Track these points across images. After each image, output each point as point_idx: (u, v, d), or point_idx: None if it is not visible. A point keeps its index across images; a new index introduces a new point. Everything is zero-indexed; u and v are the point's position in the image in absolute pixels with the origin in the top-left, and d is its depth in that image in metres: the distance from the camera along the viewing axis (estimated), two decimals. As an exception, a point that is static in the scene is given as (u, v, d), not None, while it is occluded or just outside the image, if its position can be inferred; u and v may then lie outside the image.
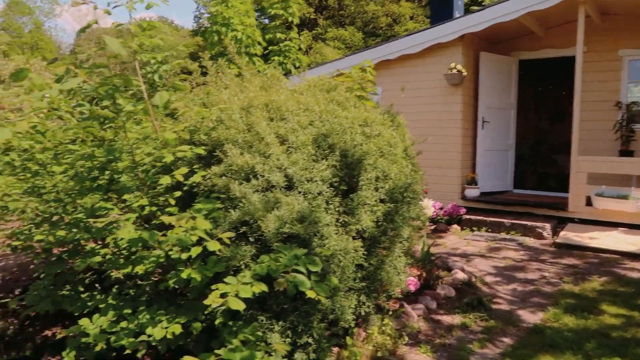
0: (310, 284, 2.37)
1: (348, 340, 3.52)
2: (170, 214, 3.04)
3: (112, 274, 3.14)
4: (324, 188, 3.14)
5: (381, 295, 3.68)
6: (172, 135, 2.58)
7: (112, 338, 2.62)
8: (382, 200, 3.56)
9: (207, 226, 2.41)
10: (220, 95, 3.51)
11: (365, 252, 3.37)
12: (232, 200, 3.03)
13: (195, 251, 2.39)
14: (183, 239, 2.33)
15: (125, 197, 2.97)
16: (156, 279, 3.07)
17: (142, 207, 3.15)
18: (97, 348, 2.63)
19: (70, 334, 2.90)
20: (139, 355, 2.58)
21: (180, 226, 2.43)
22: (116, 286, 3.42)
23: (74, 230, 3.03)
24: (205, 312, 2.97)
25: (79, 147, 2.95)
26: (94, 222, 2.62)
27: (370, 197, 3.40)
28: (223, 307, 2.84)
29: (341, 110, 3.53)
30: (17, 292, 4.40)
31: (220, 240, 2.47)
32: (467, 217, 7.78)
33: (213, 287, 2.44)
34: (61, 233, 2.72)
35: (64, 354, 3.10)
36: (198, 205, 2.86)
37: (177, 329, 2.57)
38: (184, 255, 2.44)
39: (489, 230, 7.56)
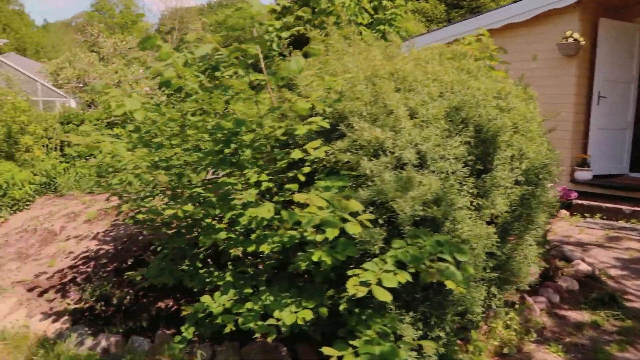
0: (460, 277, 2.09)
1: (473, 334, 3.22)
2: (291, 191, 2.88)
3: (231, 251, 3.04)
4: (458, 167, 2.83)
5: (511, 287, 3.33)
6: (306, 105, 2.37)
7: (240, 320, 2.51)
8: (516, 182, 3.19)
9: (359, 207, 2.19)
10: (337, 64, 3.25)
11: (499, 240, 3.03)
12: (357, 178, 2.80)
13: (333, 233, 2.18)
14: (331, 220, 2.12)
15: (247, 172, 2.83)
16: (275, 258, 2.93)
17: (259, 183, 3.01)
18: (227, 329, 2.54)
19: (192, 311, 2.84)
20: (269, 339, 2.45)
21: (316, 205, 2.23)
22: (230, 263, 3.34)
23: (190, 204, 2.94)
24: (328, 296, 2.81)
25: (199, 120, 2.84)
26: (232, 199, 2.49)
27: (506, 178, 3.04)
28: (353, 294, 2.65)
29: (473, 81, 3.16)
30: (129, 262, 4.51)
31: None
32: (578, 202, 7.10)
33: (350, 272, 2.23)
34: (188, 208, 2.63)
35: (182, 328, 3.07)
36: (322, 183, 2.65)
37: (308, 314, 2.41)
38: (319, 237, 2.24)
39: (604, 217, 6.84)
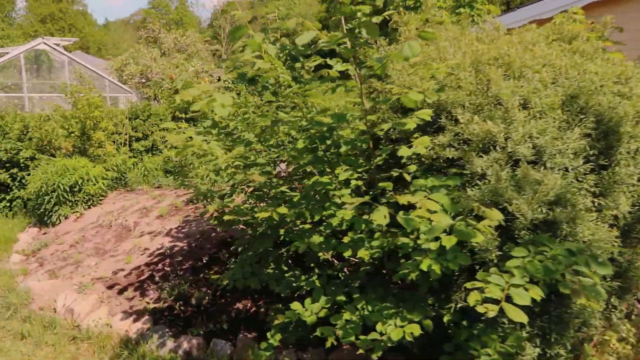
0: (605, 294, 1.79)
1: (587, 348, 2.88)
2: (386, 190, 2.64)
3: (320, 254, 2.85)
4: (579, 162, 2.49)
5: (631, 296, 2.95)
6: (418, 96, 2.12)
7: (340, 333, 2.31)
8: (640, 179, 2.80)
9: (499, 217, 1.93)
10: (429, 50, 2.96)
11: (620, 244, 2.67)
12: (460, 176, 2.52)
13: (450, 242, 1.93)
14: (464, 231, 1.87)
15: (338, 170, 2.62)
16: (370, 263, 2.71)
17: (347, 181, 2.79)
18: (328, 344, 2.34)
19: (284, 319, 2.68)
20: (374, 356, 2.24)
21: (427, 209, 1.99)
22: (313, 265, 3.17)
23: (282, 205, 2.76)
24: (429, 305, 2.57)
25: (295, 114, 2.65)
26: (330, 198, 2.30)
27: (631, 175, 2.67)
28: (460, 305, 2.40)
29: (589, 64, 2.79)
30: (205, 260, 4.43)
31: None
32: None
33: (469, 285, 1.98)
34: (283, 210, 2.45)
35: (268, 335, 2.92)
36: (422, 181, 2.39)
37: (416, 329, 2.17)
38: (434, 245, 1.99)
39: None
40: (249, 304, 3.83)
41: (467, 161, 2.41)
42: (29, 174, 7.08)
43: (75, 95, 6.97)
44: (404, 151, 2.17)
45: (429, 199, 2.13)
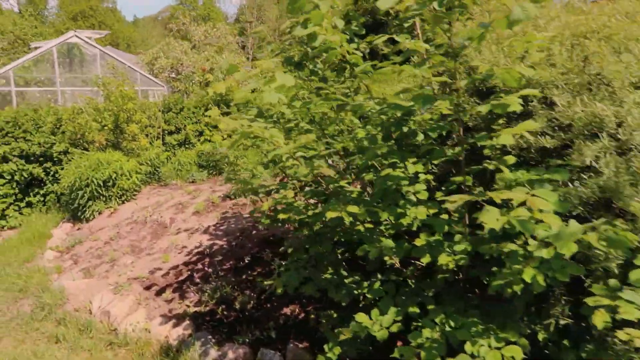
0: None
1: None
2: (460, 185, 2.29)
3: (386, 258, 2.51)
4: None
5: None
6: (528, 71, 1.76)
7: (423, 354, 1.96)
8: None
9: None
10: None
11: None
12: (557, 168, 2.14)
13: (570, 249, 1.57)
14: (614, 238, 1.51)
15: (408, 163, 2.27)
16: (449, 270, 2.35)
17: (416, 176, 2.45)
18: (410, 367, 2.01)
19: (350, 335, 2.35)
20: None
21: (537, 209, 1.63)
22: (373, 270, 2.84)
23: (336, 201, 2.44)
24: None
25: (357, 100, 2.31)
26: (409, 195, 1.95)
27: None
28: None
29: None
30: (246, 260, 4.15)
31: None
32: None
33: (591, 301, 1.61)
34: (353, 209, 2.12)
35: (326, 347, 2.63)
36: (511, 175, 2.02)
37: (518, 353, 1.82)
38: (547, 253, 1.64)
39: None
40: (297, 310, 3.52)
41: (575, 150, 2.02)
42: (62, 168, 6.94)
43: (108, 87, 6.78)
44: (504, 139, 1.80)
45: (533, 195, 1.76)
